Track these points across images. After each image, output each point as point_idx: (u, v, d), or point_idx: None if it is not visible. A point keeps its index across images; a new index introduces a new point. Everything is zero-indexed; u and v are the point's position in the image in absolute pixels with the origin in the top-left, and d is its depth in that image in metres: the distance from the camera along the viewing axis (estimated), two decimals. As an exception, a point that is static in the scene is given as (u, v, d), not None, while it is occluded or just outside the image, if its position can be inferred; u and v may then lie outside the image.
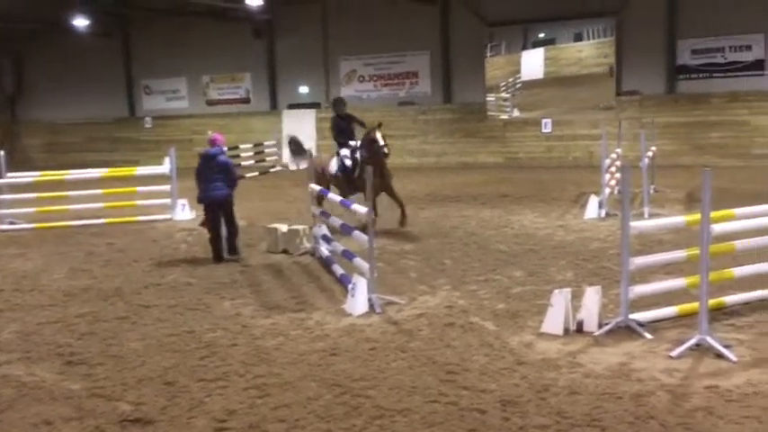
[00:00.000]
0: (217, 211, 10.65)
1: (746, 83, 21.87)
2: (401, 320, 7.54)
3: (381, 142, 11.91)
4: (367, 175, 8.09)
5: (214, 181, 10.56)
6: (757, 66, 21.78)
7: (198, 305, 8.43)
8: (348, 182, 12.61)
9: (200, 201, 10.82)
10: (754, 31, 21.53)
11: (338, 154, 12.87)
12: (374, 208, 11.29)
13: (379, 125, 12.14)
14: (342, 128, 12.96)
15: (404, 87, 27.08)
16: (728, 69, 22.11)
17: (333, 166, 12.90)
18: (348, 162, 12.58)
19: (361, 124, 12.80)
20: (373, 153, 11.93)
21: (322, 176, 12.83)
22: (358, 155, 12.41)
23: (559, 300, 6.90)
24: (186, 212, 14.85)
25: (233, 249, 10.80)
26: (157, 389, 5.95)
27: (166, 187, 14.95)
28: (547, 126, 24.70)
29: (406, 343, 6.82)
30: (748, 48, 21.85)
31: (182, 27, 28.96)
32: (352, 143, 12.70)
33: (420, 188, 19.09)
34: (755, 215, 7.01)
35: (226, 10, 26.88)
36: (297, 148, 13.80)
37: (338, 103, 13.32)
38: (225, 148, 11.25)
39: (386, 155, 11.95)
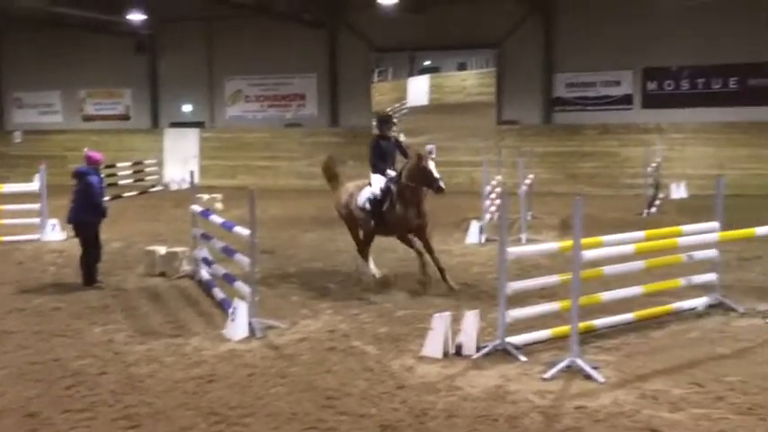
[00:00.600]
0: (80, 233, 10.20)
1: (616, 116, 23.17)
2: (282, 345, 7.43)
3: (436, 174, 9.56)
4: (249, 195, 7.73)
5: (77, 201, 10.12)
6: (626, 100, 23.14)
7: (66, 331, 8.00)
8: (374, 217, 10.19)
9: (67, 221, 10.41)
10: (622, 68, 22.89)
11: (370, 184, 10.43)
12: (410, 245, 9.94)
13: (431, 152, 10.15)
14: (385, 152, 10.38)
15: (290, 109, 26.99)
16: (600, 103, 23.37)
17: (362, 197, 10.35)
18: (378, 193, 10.12)
19: (405, 155, 10.38)
20: (420, 184, 9.69)
21: (348, 212, 10.62)
22: (392, 186, 10.01)
23: (439, 323, 7.00)
24: (56, 233, 14.11)
25: (87, 278, 10.12)
26: (18, 421, 5.57)
27: (36, 206, 14.18)
28: (432, 152, 25.17)
29: (286, 368, 6.72)
30: (618, 83, 23.19)
31: (57, 38, 27.74)
32: (391, 173, 10.17)
33: (306, 210, 19.00)
34: (622, 242, 7.38)
35: (106, 23, 25.97)
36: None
37: (384, 122, 10.78)
38: (101, 167, 10.81)
39: (441, 189, 9.56)
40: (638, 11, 21.68)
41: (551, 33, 23.38)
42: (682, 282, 8.44)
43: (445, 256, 12.23)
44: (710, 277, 8.56)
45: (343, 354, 7.15)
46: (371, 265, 10.55)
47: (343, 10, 25.31)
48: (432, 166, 9.60)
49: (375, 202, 10.14)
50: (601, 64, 22.99)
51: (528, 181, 15.78)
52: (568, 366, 6.45)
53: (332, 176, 11.38)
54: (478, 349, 6.95)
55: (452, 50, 24.69)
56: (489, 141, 23.17)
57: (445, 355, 6.93)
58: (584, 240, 6.64)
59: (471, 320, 7.08)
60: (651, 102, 22.85)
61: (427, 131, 25.63)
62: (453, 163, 24.82)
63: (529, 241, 13.21)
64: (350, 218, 10.64)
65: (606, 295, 7.70)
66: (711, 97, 22.07)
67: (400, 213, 9.84)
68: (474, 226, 13.77)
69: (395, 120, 10.64)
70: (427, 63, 25.76)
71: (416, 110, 25.96)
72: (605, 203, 19.00)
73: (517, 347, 6.95)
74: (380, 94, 26.37)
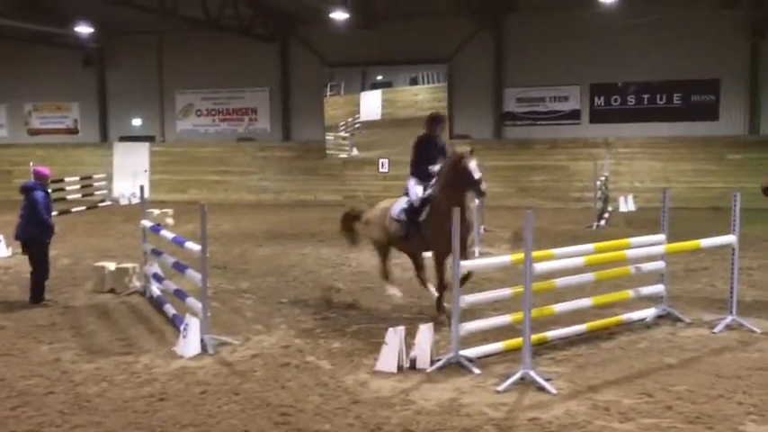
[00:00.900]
0: (28, 249, 9.97)
1: (565, 131, 23.58)
2: (235, 362, 7.34)
3: (477, 174, 8.20)
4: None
5: (24, 217, 9.91)
6: (574, 115, 23.58)
7: (11, 350, 7.78)
8: (408, 228, 8.86)
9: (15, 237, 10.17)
10: (570, 83, 23.34)
11: (407, 193, 9.10)
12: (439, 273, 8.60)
13: (471, 151, 8.36)
14: (431, 156, 8.94)
15: (243, 123, 26.82)
16: (549, 117, 23.78)
17: (396, 207, 9.10)
18: (416, 199, 8.83)
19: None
20: (458, 188, 8.33)
21: (382, 228, 9.31)
22: (432, 191, 8.73)
23: (394, 338, 7.01)
24: (2, 249, 13.73)
25: (34, 295, 9.90)
26: (-41, 445, 5.40)
27: (-21, 222, 13.80)
28: (384, 166, 25.32)
29: (239, 385, 6.64)
30: (566, 98, 23.63)
31: (2, 51, 27.09)
32: (435, 168, 8.80)
33: (258, 225, 18.86)
34: (572, 255, 7.51)
35: (54, 36, 25.49)
36: None
37: (437, 122, 9.14)
38: (49, 182, 10.60)
39: (482, 192, 8.46)
40: (585, 28, 22.15)
41: (501, 49, 23.73)
42: (631, 293, 8.61)
43: (398, 269, 12.26)
44: (658, 288, 8.76)
45: (297, 369, 7.10)
46: (391, 288, 9.39)
47: (295, 24, 25.31)
48: (473, 165, 8.18)
49: (412, 210, 8.83)
50: (550, 79, 23.40)
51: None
52: (522, 378, 6.51)
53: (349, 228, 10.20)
54: (433, 363, 6.97)
55: (404, 65, 24.87)
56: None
57: (399, 369, 6.93)
58: (535, 253, 6.74)
59: (425, 334, 7.11)
60: (598, 117, 23.32)
61: (380, 146, 25.72)
62: (407, 177, 24.99)
63: (481, 254, 13.31)
64: (384, 235, 9.27)
65: (558, 307, 7.81)
66: (657, 112, 22.64)
67: (441, 224, 8.16)
68: (427, 240, 13.79)
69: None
70: (379, 78, 25.82)
71: (369, 124, 26.01)
72: (555, 216, 19.28)
73: (471, 360, 7.00)
74: (333, 108, 26.33)
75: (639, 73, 22.44)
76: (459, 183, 8.31)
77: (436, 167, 8.76)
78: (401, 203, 9.09)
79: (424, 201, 8.79)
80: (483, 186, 8.29)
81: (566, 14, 22.37)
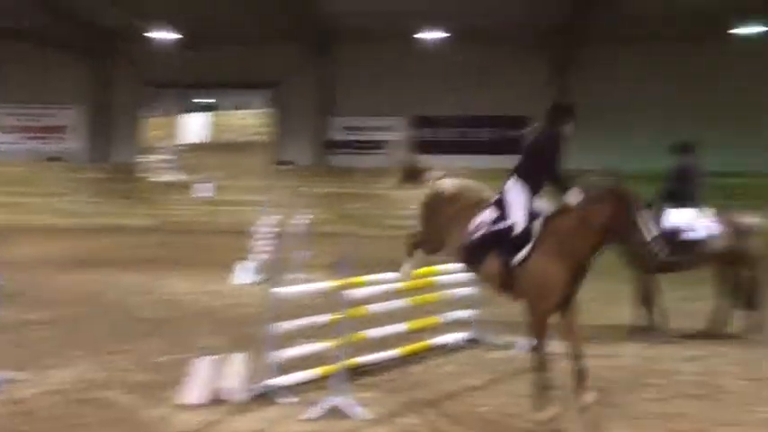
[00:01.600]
0: None
1: (387, 160, 24.22)
2: (23, 399, 6.70)
3: (650, 232, 5.90)
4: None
5: None
6: (396, 145, 24.29)
7: None
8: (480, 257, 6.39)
9: None
10: (395, 114, 24.05)
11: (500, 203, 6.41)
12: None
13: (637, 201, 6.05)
14: (557, 161, 6.34)
15: (52, 142, 25.15)
16: (371, 147, 24.31)
17: (481, 219, 6.42)
18: (519, 222, 6.18)
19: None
20: (603, 238, 5.93)
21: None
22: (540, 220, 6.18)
23: (200, 369, 6.71)
24: None
25: None
26: None
27: None
28: (208, 190, 24.72)
29: (24, 425, 6.04)
30: (390, 129, 24.30)
31: None
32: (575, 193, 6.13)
33: (64, 251, 17.63)
34: (385, 282, 7.59)
35: None
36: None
37: (565, 114, 6.59)
38: None
39: (657, 252, 6.01)
40: (410, 62, 23.02)
41: (328, 77, 24.06)
42: (440, 319, 8.84)
43: (208, 297, 11.89)
44: (467, 313, 9.05)
45: (95, 406, 6.59)
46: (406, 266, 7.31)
47: (116, 41, 24.23)
48: (645, 219, 5.94)
49: (502, 236, 6.23)
50: (375, 110, 23.99)
51: (303, 220, 15.85)
52: (333, 405, 6.43)
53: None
54: (243, 393, 6.74)
55: (230, 89, 24.54)
56: (265, 181, 23.13)
57: (207, 400, 6.63)
58: (348, 281, 6.74)
59: (237, 364, 6.87)
60: (421, 147, 24.14)
61: (203, 169, 25.11)
62: (228, 202, 24.55)
63: (302, 281, 13.19)
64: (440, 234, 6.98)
65: (372, 333, 7.84)
66: (474, 145, 23.84)
67: (548, 270, 5.93)
68: (242, 266, 13.55)
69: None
70: (204, 100, 25.32)
71: (194, 147, 25.40)
72: (376, 243, 19.58)
73: (283, 389, 6.83)
74: (154, 129, 25.41)
75: (460, 107, 23.56)
76: (612, 233, 5.99)
77: (576, 195, 6.16)
78: (487, 216, 6.40)
79: (527, 231, 6.14)
80: (658, 245, 5.99)
81: (391, 48, 23.10)
